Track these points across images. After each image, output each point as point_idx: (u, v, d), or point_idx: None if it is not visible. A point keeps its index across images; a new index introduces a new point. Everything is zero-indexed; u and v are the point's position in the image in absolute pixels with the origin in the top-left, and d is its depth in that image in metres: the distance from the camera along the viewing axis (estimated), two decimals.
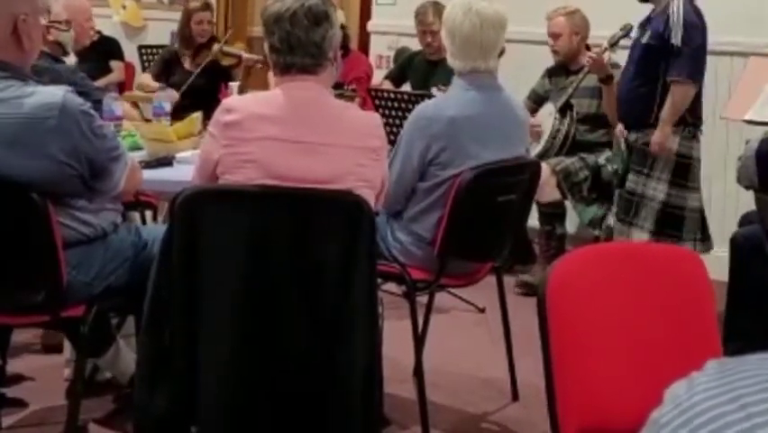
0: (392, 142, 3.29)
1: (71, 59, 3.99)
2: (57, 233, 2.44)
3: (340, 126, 2.39)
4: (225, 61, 5.32)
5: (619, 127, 4.35)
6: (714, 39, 4.24)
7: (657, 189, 4.13)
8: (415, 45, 5.67)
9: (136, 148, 3.46)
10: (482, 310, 4.30)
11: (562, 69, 4.96)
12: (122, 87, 6.19)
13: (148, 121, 4.11)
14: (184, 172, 2.83)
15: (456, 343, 3.96)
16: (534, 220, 4.40)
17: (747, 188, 3.47)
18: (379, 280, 2.85)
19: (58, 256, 2.44)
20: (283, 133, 2.32)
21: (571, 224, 4.98)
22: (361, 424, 2.33)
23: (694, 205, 4.18)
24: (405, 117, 3.87)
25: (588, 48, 4.83)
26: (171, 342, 2.27)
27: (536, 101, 5.01)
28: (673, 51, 3.99)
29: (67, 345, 3.24)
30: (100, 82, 5.72)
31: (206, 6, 5.51)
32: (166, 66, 5.39)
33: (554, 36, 4.86)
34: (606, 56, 4.54)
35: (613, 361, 1.66)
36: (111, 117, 3.45)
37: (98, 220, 2.59)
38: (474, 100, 3.02)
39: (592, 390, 1.63)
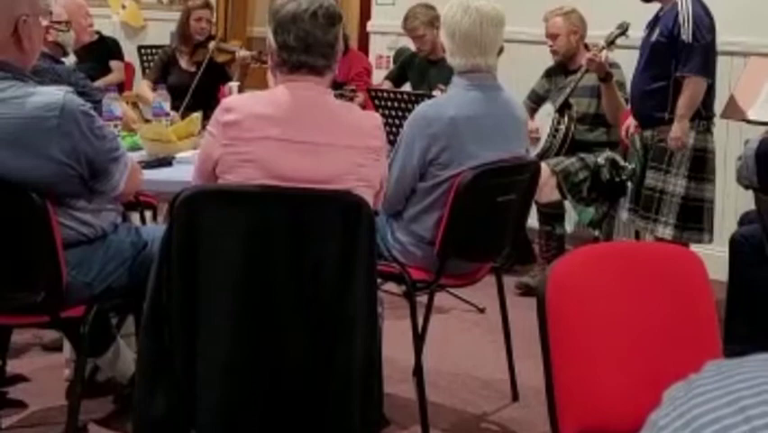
0: (392, 143, 3.29)
1: (71, 60, 3.99)
2: (57, 233, 2.44)
3: (340, 126, 2.39)
4: (220, 58, 5.32)
5: (628, 124, 4.37)
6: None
7: (677, 184, 4.16)
8: (413, 45, 5.67)
9: (136, 148, 3.47)
10: (482, 310, 4.30)
11: (561, 68, 4.96)
12: (121, 87, 6.18)
13: (147, 121, 4.10)
14: (183, 172, 2.83)
15: (456, 343, 3.96)
16: (533, 220, 4.40)
17: (747, 187, 3.47)
18: (379, 281, 2.85)
19: (57, 256, 2.44)
20: (283, 132, 2.31)
21: (571, 224, 4.98)
22: (360, 424, 2.33)
23: (710, 196, 4.23)
24: (405, 117, 3.88)
25: (586, 47, 4.83)
26: (171, 342, 2.27)
27: (536, 101, 5.01)
28: (684, 48, 4.01)
29: (66, 345, 3.24)
30: (100, 82, 5.71)
31: (206, 5, 5.51)
32: (164, 68, 5.40)
33: (552, 37, 4.86)
34: (603, 55, 4.54)
35: (613, 361, 1.66)
36: (110, 117, 3.46)
37: (98, 220, 2.59)
38: (474, 100, 3.02)
39: (592, 390, 1.63)
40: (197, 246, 2.21)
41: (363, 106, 4.46)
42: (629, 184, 4.41)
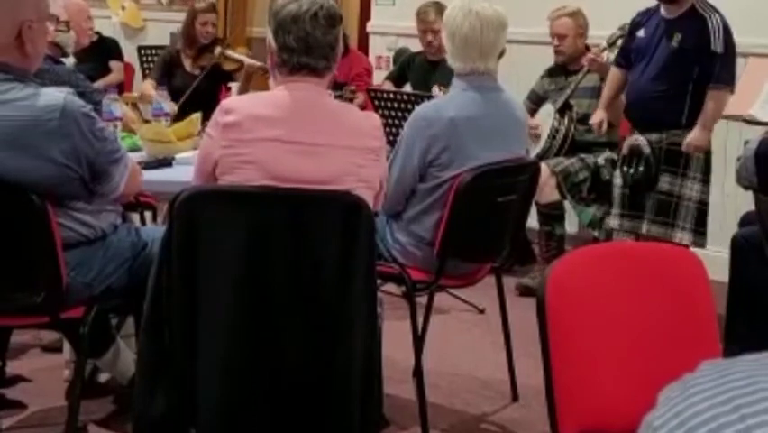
0: (392, 143, 3.29)
1: (70, 61, 3.99)
2: (57, 234, 2.44)
3: (339, 127, 2.39)
4: (228, 66, 5.31)
5: (596, 122, 4.37)
6: None
7: (693, 189, 4.15)
8: (414, 46, 5.67)
9: (135, 149, 3.47)
10: (482, 311, 4.30)
11: (562, 69, 4.95)
12: (121, 87, 6.19)
13: (147, 122, 4.10)
14: (183, 173, 2.83)
15: (456, 343, 3.96)
16: (533, 221, 4.40)
17: (746, 188, 3.47)
18: (379, 281, 2.85)
19: (57, 257, 2.44)
20: (283, 134, 2.31)
21: (571, 224, 4.98)
22: (360, 424, 2.33)
23: (708, 198, 4.24)
24: (405, 118, 3.88)
25: (587, 48, 4.83)
26: (171, 342, 2.27)
27: (536, 101, 5.01)
28: (714, 58, 4.01)
29: (66, 345, 3.24)
30: (99, 83, 5.72)
31: (212, 8, 5.50)
32: (166, 68, 5.39)
33: (560, 37, 4.84)
34: (604, 55, 4.54)
35: (612, 361, 1.66)
36: (110, 118, 3.46)
37: (98, 221, 2.59)
38: (474, 101, 3.02)
39: (592, 390, 1.63)
40: (197, 247, 2.21)
41: (363, 107, 4.47)
42: (618, 189, 4.34)
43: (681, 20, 4.11)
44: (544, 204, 4.64)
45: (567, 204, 4.77)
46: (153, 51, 6.63)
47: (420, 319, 3.14)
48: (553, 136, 4.78)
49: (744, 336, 3.22)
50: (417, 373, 3.03)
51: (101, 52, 6.15)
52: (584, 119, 4.78)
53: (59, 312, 2.54)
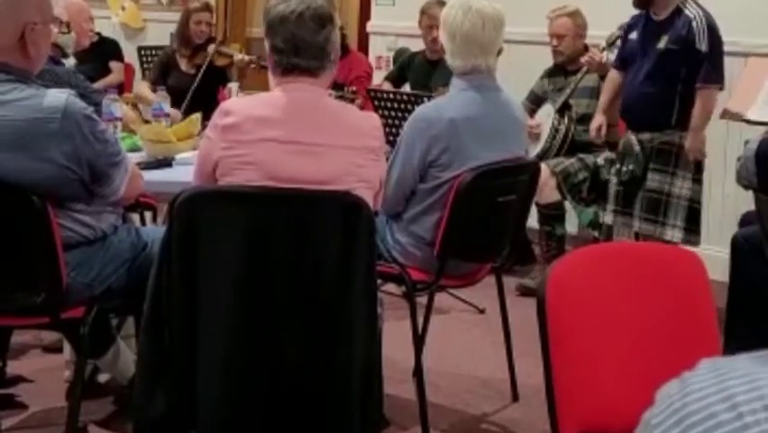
0: (392, 143, 3.29)
1: (70, 62, 3.99)
2: (57, 235, 2.44)
3: (339, 127, 2.39)
4: (219, 61, 5.33)
5: (594, 127, 4.38)
6: None
7: (683, 187, 4.16)
8: (413, 46, 5.67)
9: (135, 149, 3.47)
10: (482, 311, 4.30)
11: (561, 69, 4.95)
12: (121, 88, 6.19)
13: (147, 122, 4.11)
14: (183, 173, 2.83)
15: (456, 343, 3.96)
16: (533, 221, 4.40)
17: (746, 188, 3.47)
18: (379, 281, 2.85)
19: (58, 258, 2.44)
20: (282, 134, 2.31)
21: (571, 224, 4.98)
22: (360, 424, 2.33)
23: (701, 197, 4.24)
24: (404, 118, 3.88)
25: (586, 48, 4.82)
26: (171, 343, 2.27)
27: (535, 102, 5.01)
28: (699, 57, 4.01)
29: (66, 346, 3.24)
30: (100, 83, 5.72)
31: (206, 7, 5.51)
32: (163, 69, 5.40)
33: (558, 37, 4.84)
34: (603, 55, 4.54)
35: (612, 361, 1.66)
36: (110, 118, 3.46)
37: (98, 222, 2.59)
38: (474, 101, 3.02)
39: (592, 390, 1.63)
40: (197, 247, 2.21)
41: (362, 108, 4.46)
42: (613, 186, 4.36)
43: (667, 21, 4.13)
44: (544, 204, 4.64)
45: (567, 204, 4.77)
46: (153, 52, 6.63)
47: (420, 319, 3.14)
48: (552, 136, 4.78)
49: (744, 335, 3.22)
50: (417, 372, 3.03)
51: (101, 53, 6.15)
52: (583, 119, 4.78)
53: (59, 312, 2.54)
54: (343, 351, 2.29)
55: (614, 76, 4.47)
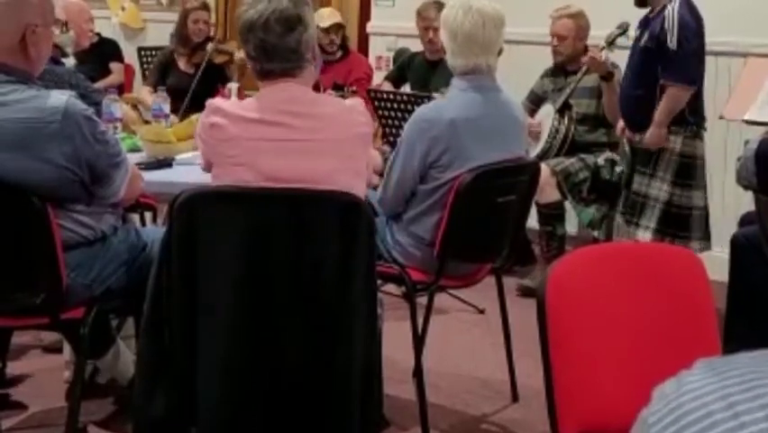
0: (392, 144, 3.30)
1: (70, 62, 3.99)
2: (57, 235, 2.44)
3: (324, 120, 2.39)
4: (218, 59, 5.33)
5: (620, 127, 4.37)
6: (713, 39, 4.24)
7: (661, 189, 4.15)
8: (413, 46, 5.67)
9: (136, 149, 3.47)
10: (482, 311, 4.30)
11: (561, 69, 4.95)
12: (121, 88, 6.18)
13: (147, 122, 4.11)
14: (183, 174, 2.84)
15: (456, 344, 3.96)
16: (533, 221, 4.40)
17: (746, 188, 3.47)
18: (379, 282, 2.85)
19: (57, 258, 2.45)
20: (269, 133, 2.32)
21: (571, 225, 4.98)
22: (360, 425, 2.33)
23: (699, 203, 4.21)
24: (404, 118, 3.88)
25: (586, 49, 4.82)
26: (171, 343, 2.27)
27: (535, 102, 5.01)
28: (669, 55, 4.00)
29: (66, 346, 3.24)
30: (99, 84, 5.71)
31: (204, 6, 5.51)
32: (163, 70, 5.40)
33: (559, 38, 4.83)
34: (603, 54, 4.54)
35: (612, 361, 1.66)
36: (110, 119, 3.46)
37: (98, 222, 2.59)
38: (474, 101, 3.02)
39: (592, 391, 1.63)
40: (197, 247, 2.22)
41: None
42: (623, 189, 4.40)
43: (652, 19, 4.13)
44: (544, 204, 4.64)
45: (567, 204, 4.77)
46: (153, 52, 6.63)
47: (420, 320, 3.13)
48: (552, 136, 4.78)
49: (743, 335, 3.21)
50: (417, 373, 3.03)
51: (101, 53, 6.15)
52: (584, 119, 4.79)
53: (59, 313, 2.54)
54: (343, 351, 2.29)
55: None
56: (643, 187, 4.19)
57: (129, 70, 6.82)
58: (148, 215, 3.97)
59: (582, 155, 4.75)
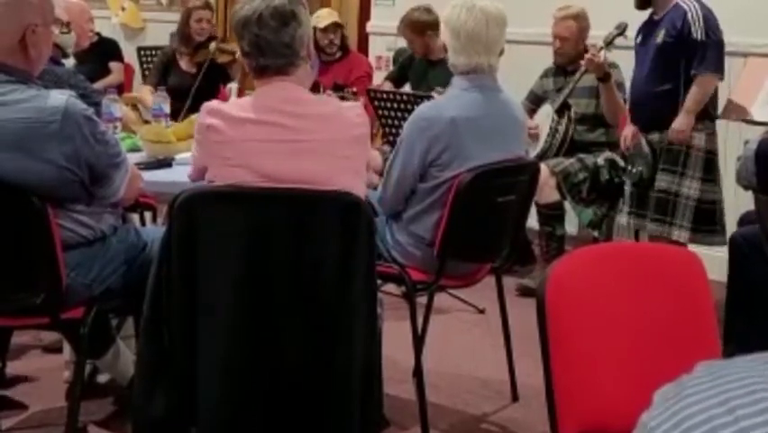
0: (392, 143, 3.30)
1: (70, 62, 3.99)
2: (56, 235, 2.44)
3: (321, 120, 2.40)
4: (222, 58, 5.32)
5: (627, 133, 4.36)
6: None
7: (692, 187, 4.16)
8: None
9: (135, 149, 3.47)
10: (482, 311, 4.30)
11: (561, 69, 4.95)
12: (121, 88, 6.19)
13: (147, 122, 4.11)
14: (183, 174, 2.84)
15: (456, 344, 3.96)
16: (533, 221, 4.40)
17: (746, 188, 3.47)
18: (379, 281, 2.85)
19: (57, 258, 2.44)
20: (266, 134, 2.32)
21: (571, 225, 4.98)
22: (360, 425, 2.33)
23: (721, 198, 4.25)
24: (404, 118, 3.87)
25: (586, 48, 4.82)
26: (171, 343, 2.27)
27: (534, 102, 5.01)
28: (696, 46, 4.03)
29: (66, 346, 3.24)
30: (99, 84, 5.72)
31: (207, 5, 5.51)
32: (164, 69, 5.40)
33: (562, 39, 4.82)
34: (602, 55, 4.54)
35: (612, 361, 1.66)
36: (110, 119, 3.46)
37: (98, 222, 2.59)
38: (474, 101, 3.02)
39: (592, 390, 1.63)
40: (197, 247, 2.22)
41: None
42: (628, 187, 4.38)
43: (665, 17, 4.15)
44: (543, 204, 4.64)
45: (567, 204, 4.77)
46: (153, 52, 6.63)
47: (420, 320, 3.13)
48: (552, 136, 4.78)
49: (743, 335, 3.22)
50: (417, 373, 3.03)
51: (101, 53, 6.15)
52: (583, 119, 4.79)
53: (58, 313, 2.54)
54: (343, 351, 2.29)
55: None
56: (673, 186, 4.18)
57: (129, 70, 6.82)
58: (148, 214, 3.97)
59: (582, 155, 4.75)
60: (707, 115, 4.16)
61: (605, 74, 4.55)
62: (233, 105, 2.46)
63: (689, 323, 1.74)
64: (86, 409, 2.90)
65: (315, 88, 2.55)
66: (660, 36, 4.14)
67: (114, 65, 6.46)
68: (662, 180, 4.20)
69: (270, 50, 2.35)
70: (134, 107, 4.95)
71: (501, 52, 3.14)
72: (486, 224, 3.07)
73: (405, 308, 3.09)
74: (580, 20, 4.81)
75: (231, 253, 2.22)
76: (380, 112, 4.44)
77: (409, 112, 3.63)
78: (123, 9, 8.02)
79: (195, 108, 4.29)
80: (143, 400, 2.35)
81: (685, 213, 4.17)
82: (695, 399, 0.65)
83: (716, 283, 1.97)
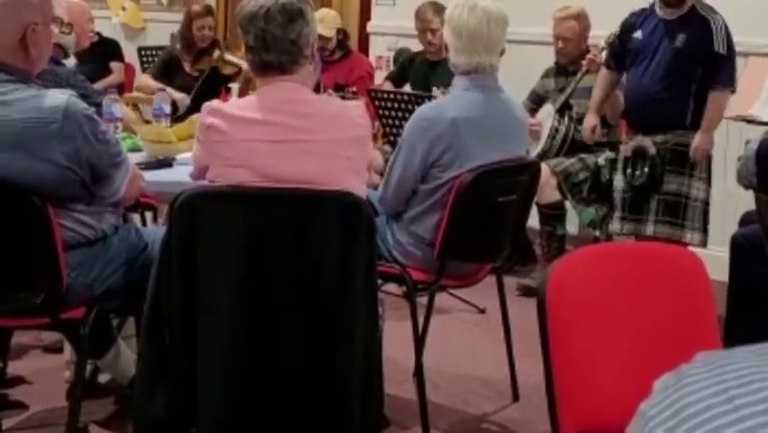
0: (392, 143, 3.30)
1: (71, 62, 4.00)
2: (57, 235, 2.44)
3: (322, 121, 2.40)
4: (226, 70, 5.32)
5: (593, 121, 4.38)
6: None
7: (700, 189, 4.17)
8: (414, 46, 5.67)
9: (136, 149, 3.47)
10: (482, 311, 4.30)
11: (562, 69, 4.95)
12: (121, 88, 6.19)
13: (147, 122, 4.11)
14: (184, 174, 2.84)
15: (456, 343, 3.96)
16: (534, 221, 4.40)
17: (747, 187, 3.47)
18: (380, 281, 2.85)
19: (58, 258, 2.45)
20: (267, 134, 2.32)
21: (572, 224, 4.98)
22: (360, 424, 2.33)
23: (710, 197, 4.27)
24: (405, 118, 3.88)
25: (587, 49, 4.82)
26: (171, 343, 2.27)
27: (536, 102, 5.01)
28: (716, 59, 4.03)
29: (67, 346, 3.24)
30: (100, 84, 5.72)
31: (208, 12, 5.52)
32: (166, 68, 5.39)
33: (564, 39, 4.82)
34: (603, 55, 4.53)
35: (613, 361, 1.66)
36: (110, 119, 3.46)
37: (98, 222, 2.59)
38: (475, 101, 3.02)
39: (592, 390, 1.63)
40: (197, 247, 2.22)
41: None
42: (619, 193, 4.33)
43: (682, 20, 4.12)
44: (544, 204, 4.63)
45: (568, 204, 4.77)
46: (153, 52, 6.64)
47: (421, 319, 3.13)
48: (552, 136, 4.78)
49: (744, 335, 3.21)
50: (418, 372, 3.03)
51: (101, 53, 6.15)
52: (583, 119, 4.78)
53: (59, 313, 2.54)
54: (344, 351, 2.29)
55: (606, 75, 4.46)
56: (684, 187, 4.17)
57: (129, 70, 6.82)
58: (148, 214, 3.97)
59: (582, 155, 4.75)
60: None
61: None
62: (235, 104, 2.47)
63: (689, 323, 1.74)
64: (86, 409, 2.90)
65: (316, 88, 2.55)
66: (679, 40, 4.09)
67: (114, 65, 6.47)
68: (672, 183, 4.17)
69: (275, 46, 2.34)
70: (135, 107, 4.96)
71: (502, 52, 3.14)
72: (487, 224, 3.07)
73: (405, 307, 3.09)
74: (581, 19, 4.81)
75: (231, 252, 2.22)
76: (381, 112, 4.44)
77: (410, 112, 3.63)
78: (124, 9, 8.02)
79: (195, 109, 4.31)
80: (144, 400, 2.35)
81: (695, 215, 4.16)
82: (694, 388, 0.65)
83: (716, 283, 1.97)
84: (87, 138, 2.41)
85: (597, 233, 4.77)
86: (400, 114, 4.31)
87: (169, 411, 2.31)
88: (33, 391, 3.23)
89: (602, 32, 4.67)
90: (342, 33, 5.47)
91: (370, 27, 6.74)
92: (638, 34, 4.25)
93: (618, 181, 4.35)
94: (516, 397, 3.38)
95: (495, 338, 3.58)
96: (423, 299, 3.18)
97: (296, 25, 2.35)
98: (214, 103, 2.45)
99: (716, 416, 0.62)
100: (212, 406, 2.28)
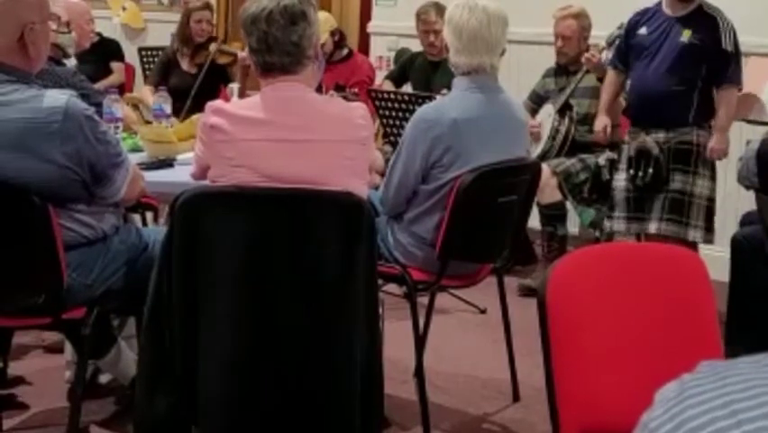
0: (393, 143, 3.29)
1: (71, 62, 3.99)
2: (58, 235, 2.44)
3: (325, 121, 2.40)
4: (222, 59, 5.32)
5: (604, 121, 4.37)
6: None
7: (704, 187, 4.15)
8: (414, 46, 5.67)
9: (137, 150, 3.47)
10: (483, 311, 4.30)
11: (562, 69, 4.95)
12: (122, 88, 6.19)
13: (148, 123, 4.11)
14: (185, 174, 2.84)
15: (457, 344, 3.96)
16: (535, 221, 4.39)
17: (748, 188, 3.48)
18: (380, 282, 2.85)
19: (58, 258, 2.44)
20: (270, 134, 2.33)
21: (573, 225, 4.98)
22: (361, 424, 2.33)
23: (715, 195, 4.25)
24: (405, 118, 3.88)
25: (588, 48, 4.82)
26: (172, 343, 2.27)
27: (536, 102, 5.01)
28: (724, 57, 4.03)
29: (68, 346, 3.24)
30: (100, 84, 5.72)
31: (206, 6, 5.51)
32: (164, 70, 5.40)
33: (564, 38, 4.82)
34: (603, 55, 4.53)
35: (613, 361, 1.66)
36: (111, 119, 3.46)
37: (99, 222, 2.59)
38: (476, 102, 3.02)
39: (593, 390, 1.63)
40: (198, 248, 2.22)
41: None
42: (620, 193, 4.31)
43: (690, 17, 4.10)
44: (545, 204, 4.63)
45: (568, 204, 4.77)
46: (154, 52, 6.63)
47: (421, 320, 3.14)
48: (553, 137, 4.78)
49: (744, 335, 3.22)
50: (418, 373, 3.03)
51: (102, 53, 6.15)
52: (584, 119, 4.78)
53: (60, 313, 2.54)
54: (344, 351, 2.29)
55: (613, 76, 4.45)
56: (688, 186, 4.15)
57: (130, 70, 6.82)
58: (149, 215, 3.97)
59: (583, 156, 4.75)
60: (713, 113, 4.14)
61: (605, 74, 4.54)
62: (238, 104, 2.47)
63: (690, 323, 1.74)
64: (87, 409, 2.90)
65: (317, 89, 2.55)
66: (686, 36, 4.08)
67: (115, 65, 6.46)
68: (677, 181, 4.14)
69: (278, 48, 2.35)
70: (135, 107, 4.95)
71: (503, 52, 3.14)
72: (487, 224, 3.07)
73: (406, 308, 3.09)
74: (581, 19, 4.81)
75: (232, 253, 2.22)
76: (381, 112, 4.43)
77: (410, 112, 3.63)
78: (124, 9, 8.02)
79: (195, 109, 4.31)
80: (145, 401, 2.35)
81: (699, 213, 4.14)
82: (697, 400, 0.65)
83: (717, 283, 1.96)
84: (88, 138, 2.41)
85: (597, 233, 4.77)
86: (401, 114, 4.30)
87: (169, 411, 2.31)
88: (34, 392, 3.23)
89: (602, 32, 4.67)
90: (339, 34, 5.46)
91: (370, 27, 6.74)
92: (643, 30, 4.22)
93: (620, 181, 4.33)
94: (516, 397, 3.38)
95: (495, 338, 3.58)
96: (423, 300, 3.18)
97: (298, 27, 2.35)
98: (218, 103, 2.45)
99: (719, 430, 0.61)
100: (212, 406, 2.28)
